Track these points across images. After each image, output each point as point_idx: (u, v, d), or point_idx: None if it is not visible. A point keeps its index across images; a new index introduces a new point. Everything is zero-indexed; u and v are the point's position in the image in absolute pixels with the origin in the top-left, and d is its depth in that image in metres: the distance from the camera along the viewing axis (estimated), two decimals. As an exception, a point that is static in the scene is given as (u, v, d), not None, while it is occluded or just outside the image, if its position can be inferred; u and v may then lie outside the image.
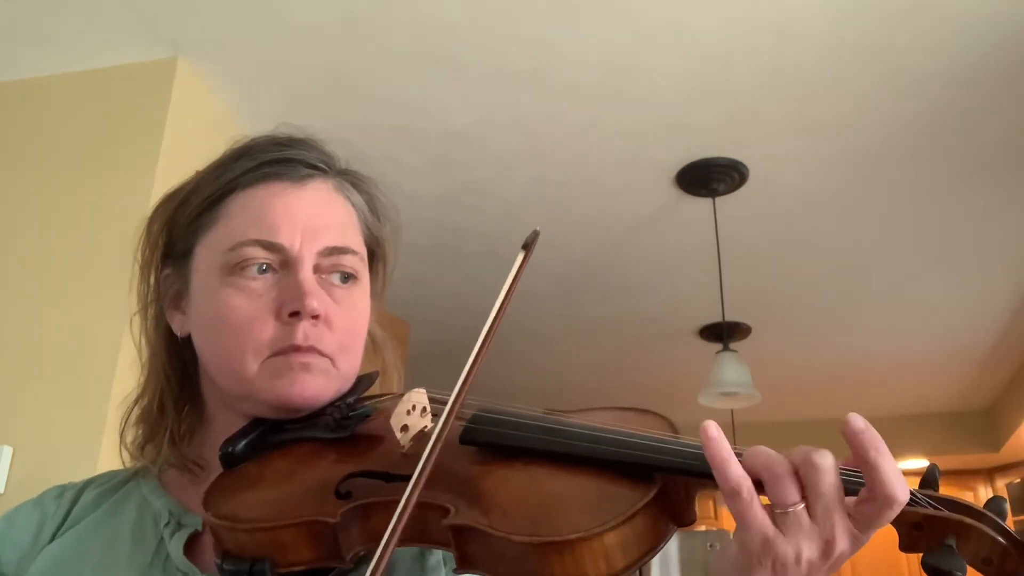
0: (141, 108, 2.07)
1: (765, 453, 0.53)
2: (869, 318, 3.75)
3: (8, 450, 1.77)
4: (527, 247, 0.60)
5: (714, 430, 0.52)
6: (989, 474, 5.33)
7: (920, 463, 5.09)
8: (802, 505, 0.51)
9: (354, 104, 2.28)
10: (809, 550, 0.51)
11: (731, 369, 2.80)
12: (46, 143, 2.11)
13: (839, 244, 3.08)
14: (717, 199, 2.72)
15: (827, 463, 0.51)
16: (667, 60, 2.14)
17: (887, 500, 0.50)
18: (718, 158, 2.55)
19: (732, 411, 3.55)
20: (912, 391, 4.68)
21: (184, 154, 2.10)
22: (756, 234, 3.00)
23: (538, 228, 0.61)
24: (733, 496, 0.52)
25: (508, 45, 2.08)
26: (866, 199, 2.78)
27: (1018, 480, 5.04)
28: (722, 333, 3.12)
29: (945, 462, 5.13)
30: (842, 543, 0.51)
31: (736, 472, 0.52)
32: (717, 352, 2.91)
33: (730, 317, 3.41)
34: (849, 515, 0.52)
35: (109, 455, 1.77)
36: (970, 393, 4.74)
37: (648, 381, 4.54)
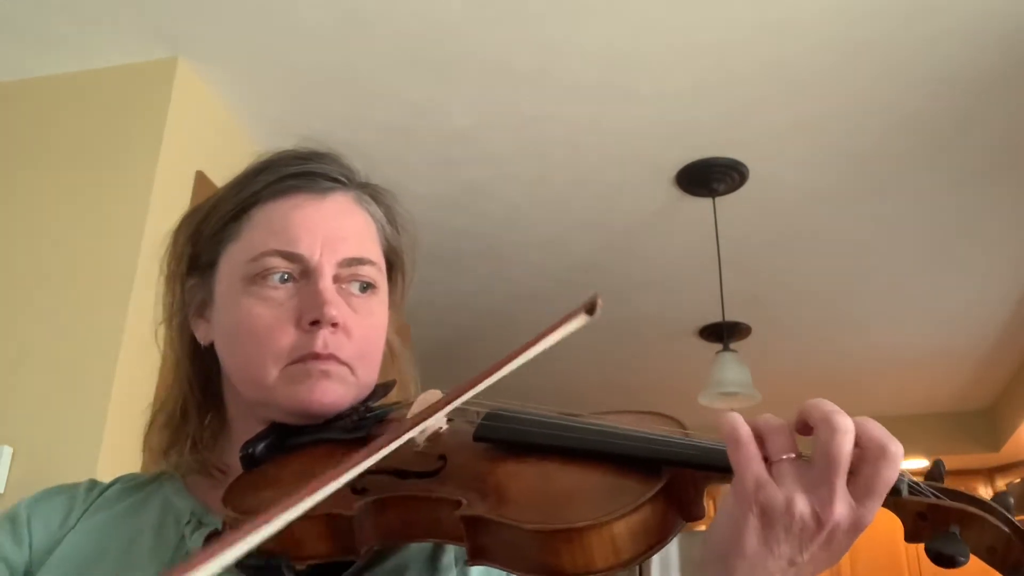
0: (141, 108, 2.07)
1: (768, 415, 0.56)
2: (869, 318, 3.75)
3: (8, 450, 1.77)
4: (590, 311, 0.62)
5: (734, 413, 0.56)
6: (989, 474, 5.33)
7: (920, 463, 5.09)
8: (793, 455, 0.53)
9: (354, 104, 2.28)
10: (802, 504, 0.51)
11: (731, 369, 2.80)
12: (46, 143, 2.11)
13: (839, 244, 3.08)
14: (717, 199, 2.72)
15: (845, 424, 0.52)
16: (667, 60, 2.14)
17: (880, 450, 0.51)
18: (718, 158, 2.55)
19: (732, 411, 3.55)
20: (912, 391, 4.68)
21: (184, 154, 2.10)
22: (756, 234, 3.01)
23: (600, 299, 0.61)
24: (731, 439, 0.54)
25: (508, 45, 2.08)
26: (866, 199, 2.78)
27: (1018, 480, 5.05)
28: (722, 333, 3.12)
29: (945, 462, 5.08)
30: (839, 509, 0.51)
31: (738, 420, 0.54)
32: (717, 352, 2.91)
33: (730, 317, 3.40)
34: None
35: (109, 455, 1.77)
36: (970, 393, 4.74)
37: (648, 381, 4.54)
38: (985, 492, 5.26)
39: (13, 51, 2.10)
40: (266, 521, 0.45)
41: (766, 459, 0.53)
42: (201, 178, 2.12)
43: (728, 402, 2.96)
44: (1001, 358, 4.22)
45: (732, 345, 2.95)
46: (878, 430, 0.52)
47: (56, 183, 2.05)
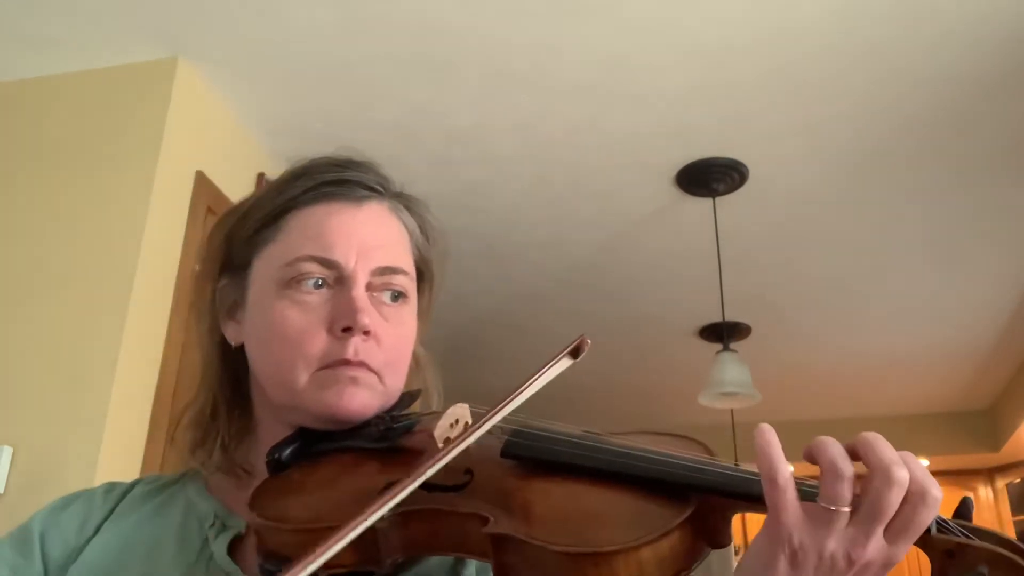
0: (141, 108, 2.07)
1: (838, 449, 0.53)
2: (869, 318, 3.75)
3: (8, 450, 1.77)
4: (573, 354, 0.63)
5: (766, 425, 0.54)
6: (989, 474, 5.33)
7: (921, 463, 5.08)
8: (847, 509, 0.51)
9: (354, 104, 2.28)
10: (834, 546, 0.51)
11: (731, 369, 2.80)
12: (46, 143, 2.11)
13: (839, 244, 3.09)
14: (717, 199, 2.72)
15: (903, 478, 0.51)
16: (667, 60, 2.14)
17: (922, 495, 0.51)
18: (718, 158, 2.55)
19: (732, 411, 3.55)
20: (912, 391, 4.68)
21: (184, 154, 2.10)
22: (756, 234, 3.01)
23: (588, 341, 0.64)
24: (769, 480, 0.52)
25: (508, 45, 2.08)
26: (866, 199, 2.78)
27: (1018, 480, 5.05)
28: (722, 333, 3.12)
29: (945, 462, 5.13)
30: (871, 552, 0.51)
31: (776, 457, 0.52)
32: (717, 352, 2.91)
33: (730, 317, 3.40)
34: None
35: (109, 455, 1.77)
36: (970, 393, 4.74)
37: (648, 381, 4.54)
38: (985, 492, 5.27)
39: (13, 51, 2.10)
40: (328, 547, 0.46)
41: (807, 495, 0.52)
42: (201, 178, 2.12)
43: (728, 402, 2.96)
44: (1001, 358, 4.22)
45: (732, 345, 2.95)
46: (921, 473, 0.52)
47: (56, 183, 2.05)
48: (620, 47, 2.09)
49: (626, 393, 4.69)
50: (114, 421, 1.79)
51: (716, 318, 3.42)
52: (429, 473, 0.55)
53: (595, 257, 3.21)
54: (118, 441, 1.80)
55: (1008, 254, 3.15)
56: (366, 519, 0.51)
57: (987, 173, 2.61)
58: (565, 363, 0.64)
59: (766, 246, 3.10)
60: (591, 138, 2.46)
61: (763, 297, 3.50)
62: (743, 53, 2.11)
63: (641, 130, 2.43)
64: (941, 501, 0.52)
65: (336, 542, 0.48)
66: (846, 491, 0.51)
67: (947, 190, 2.71)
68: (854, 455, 0.53)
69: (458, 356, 3.94)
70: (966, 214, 2.86)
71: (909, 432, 4.87)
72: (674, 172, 2.63)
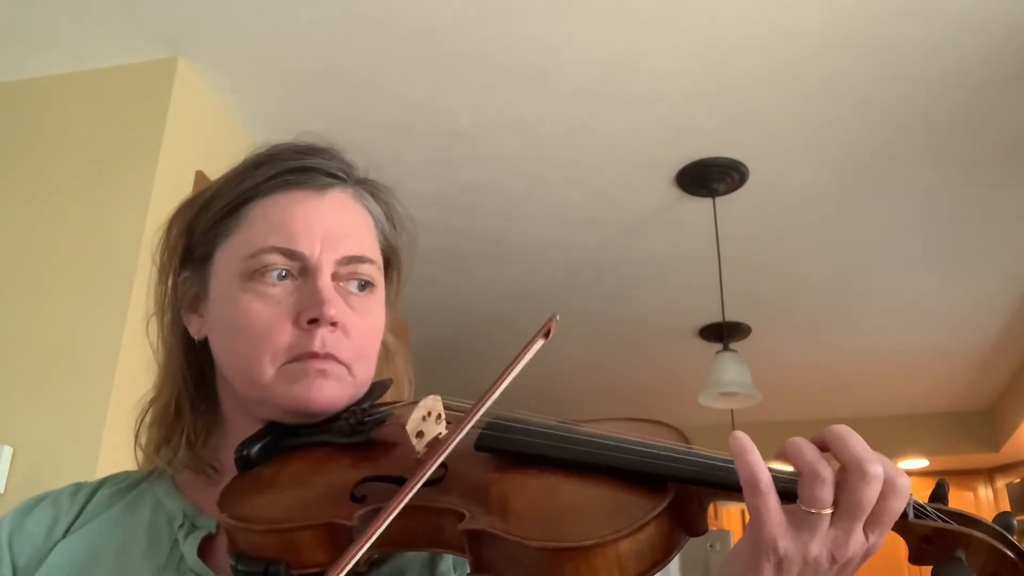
0: (141, 108, 2.07)
1: (815, 451, 0.52)
2: (869, 318, 3.75)
3: (8, 450, 1.77)
4: (546, 334, 0.63)
5: (740, 432, 0.54)
6: (989, 474, 5.32)
7: (920, 463, 5.09)
8: (829, 511, 0.51)
9: (354, 104, 2.28)
10: (818, 550, 0.51)
11: (731, 369, 2.80)
12: (46, 143, 2.11)
13: (839, 244, 3.08)
14: (717, 199, 2.72)
15: (878, 473, 0.51)
16: (667, 60, 2.14)
17: (890, 487, 0.51)
18: (718, 158, 2.55)
19: (732, 411, 3.55)
20: (912, 391, 4.68)
21: (184, 154, 2.10)
22: (756, 234, 3.00)
23: (557, 316, 0.64)
24: (750, 485, 0.52)
25: (508, 45, 2.08)
26: (866, 199, 2.78)
27: (1018, 480, 5.04)
28: (722, 333, 3.12)
29: (945, 462, 5.13)
30: (852, 547, 0.52)
31: (755, 461, 0.52)
32: (717, 352, 2.91)
33: (730, 317, 3.40)
34: None
35: (109, 455, 1.77)
36: (970, 393, 4.74)
37: (648, 381, 4.54)
38: (985, 492, 5.27)
39: (13, 51, 2.09)
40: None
41: (787, 492, 0.52)
42: (201, 178, 2.12)
43: (728, 402, 2.96)
44: (1001, 358, 4.21)
45: (732, 345, 2.95)
46: (887, 465, 0.52)
47: (56, 184, 2.05)
48: (620, 47, 2.09)
49: (626, 393, 4.68)
50: (114, 421, 1.79)
51: (716, 318, 3.41)
52: (432, 468, 0.55)
53: (595, 257, 3.21)
54: (118, 441, 1.80)
55: (1008, 254, 3.14)
56: (376, 532, 0.50)
57: (987, 173, 2.61)
58: (539, 344, 0.64)
59: (766, 246, 3.10)
60: (591, 138, 2.46)
61: (763, 297, 3.50)
62: (744, 53, 2.11)
63: (641, 130, 2.42)
64: (909, 488, 0.52)
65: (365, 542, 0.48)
66: (828, 494, 0.51)
67: (947, 190, 2.71)
68: (824, 448, 0.53)
69: (458, 356, 3.94)
70: (966, 214, 2.85)
71: (909, 432, 4.86)
72: (674, 172, 2.63)
